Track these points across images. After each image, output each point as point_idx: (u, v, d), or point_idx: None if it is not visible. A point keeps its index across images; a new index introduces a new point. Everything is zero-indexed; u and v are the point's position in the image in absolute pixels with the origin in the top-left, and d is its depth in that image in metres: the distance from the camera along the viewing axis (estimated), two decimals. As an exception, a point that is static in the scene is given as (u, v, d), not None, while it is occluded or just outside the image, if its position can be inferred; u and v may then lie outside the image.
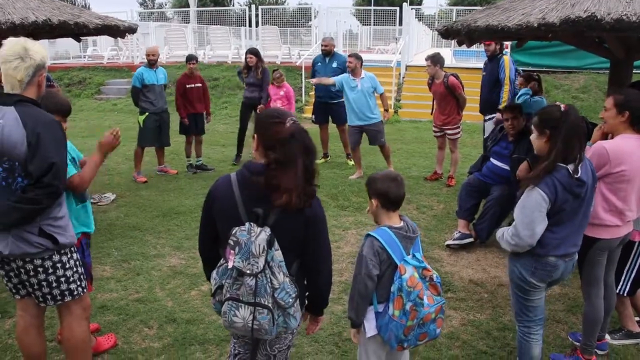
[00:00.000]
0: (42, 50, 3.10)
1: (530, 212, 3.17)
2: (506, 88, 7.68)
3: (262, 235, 2.40)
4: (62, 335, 3.44)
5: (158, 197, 7.88)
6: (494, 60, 7.97)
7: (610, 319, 4.22)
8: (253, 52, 9.48)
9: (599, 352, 4.11)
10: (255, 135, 2.56)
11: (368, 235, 2.95)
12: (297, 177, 2.43)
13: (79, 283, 3.37)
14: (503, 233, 3.37)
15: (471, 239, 6.15)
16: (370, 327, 2.99)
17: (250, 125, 9.54)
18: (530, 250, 3.28)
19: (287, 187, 2.41)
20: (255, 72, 9.34)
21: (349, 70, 8.47)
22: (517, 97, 7.30)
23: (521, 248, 3.27)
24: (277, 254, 2.45)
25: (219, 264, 2.63)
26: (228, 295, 2.51)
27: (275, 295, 2.46)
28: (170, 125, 9.06)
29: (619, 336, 4.30)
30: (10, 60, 2.98)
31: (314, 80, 9.11)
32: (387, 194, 2.94)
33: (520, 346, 3.58)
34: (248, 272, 2.41)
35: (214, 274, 2.65)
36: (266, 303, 2.45)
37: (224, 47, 19.46)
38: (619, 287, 4.14)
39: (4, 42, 3.05)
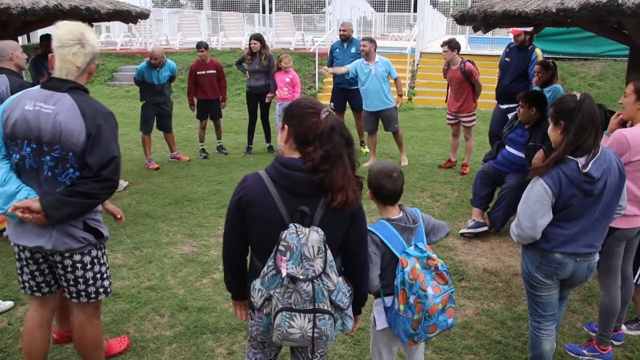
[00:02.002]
0: (95, 37, 3.00)
1: (532, 203, 3.07)
2: (534, 83, 7.44)
3: (313, 236, 2.24)
4: (75, 335, 3.33)
5: (170, 184, 7.89)
6: (523, 50, 7.57)
7: (627, 310, 4.15)
8: (257, 37, 9.32)
9: (615, 343, 4.06)
10: (287, 127, 2.38)
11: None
12: (347, 172, 2.32)
13: (110, 280, 3.30)
14: (512, 223, 3.31)
15: (485, 228, 6.09)
16: (380, 320, 2.95)
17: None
18: (536, 244, 3.19)
19: (340, 184, 2.28)
20: (260, 59, 9.19)
21: (362, 54, 8.42)
22: None
23: (523, 240, 3.19)
24: (329, 254, 2.29)
25: (262, 273, 2.35)
26: (280, 306, 2.28)
27: (333, 298, 2.33)
28: (180, 112, 9.01)
29: (635, 327, 4.25)
30: (70, 45, 2.87)
31: (329, 70, 9.00)
32: (380, 190, 2.86)
33: (531, 339, 3.52)
34: (302, 277, 2.23)
35: (256, 284, 2.39)
36: (326, 308, 2.29)
37: (238, 33, 19.42)
38: (637, 277, 4.08)
39: (58, 24, 2.94)
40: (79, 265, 3.06)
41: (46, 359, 3.37)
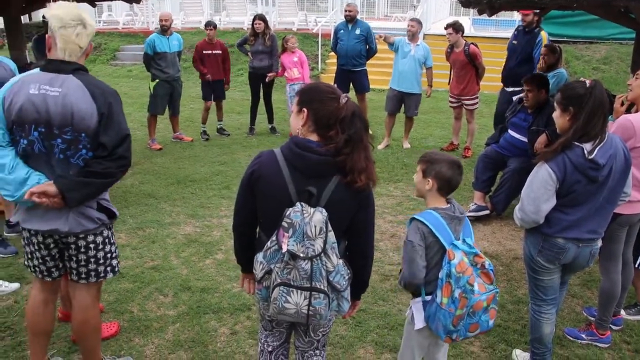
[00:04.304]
0: (92, 18, 2.98)
1: (536, 188, 3.08)
2: (539, 67, 7.39)
3: (317, 216, 2.27)
4: (77, 319, 3.25)
5: (173, 165, 7.90)
6: (530, 33, 7.52)
7: (626, 295, 4.18)
8: (261, 17, 9.31)
9: (614, 328, 4.09)
10: (306, 110, 2.39)
11: (413, 218, 2.81)
12: (368, 155, 2.39)
13: (117, 260, 3.32)
14: (516, 207, 3.31)
15: (487, 211, 6.12)
16: (419, 318, 2.86)
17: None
18: (539, 228, 3.20)
19: (363, 166, 2.35)
20: (263, 39, 9.18)
21: (409, 35, 8.52)
22: None
23: (527, 223, 3.20)
24: (331, 235, 2.32)
25: (265, 247, 2.43)
26: (279, 281, 2.34)
27: (330, 279, 2.36)
28: (183, 92, 9.03)
29: (634, 311, 4.28)
30: (73, 25, 2.82)
31: (383, 36, 8.88)
32: (450, 181, 2.80)
33: (532, 322, 3.54)
34: (302, 255, 2.28)
35: (259, 257, 2.48)
36: (322, 287, 2.33)
37: (240, 13, 19.23)
38: (638, 262, 4.10)
39: (53, 5, 2.89)
40: (92, 245, 3.07)
41: (50, 336, 3.38)
